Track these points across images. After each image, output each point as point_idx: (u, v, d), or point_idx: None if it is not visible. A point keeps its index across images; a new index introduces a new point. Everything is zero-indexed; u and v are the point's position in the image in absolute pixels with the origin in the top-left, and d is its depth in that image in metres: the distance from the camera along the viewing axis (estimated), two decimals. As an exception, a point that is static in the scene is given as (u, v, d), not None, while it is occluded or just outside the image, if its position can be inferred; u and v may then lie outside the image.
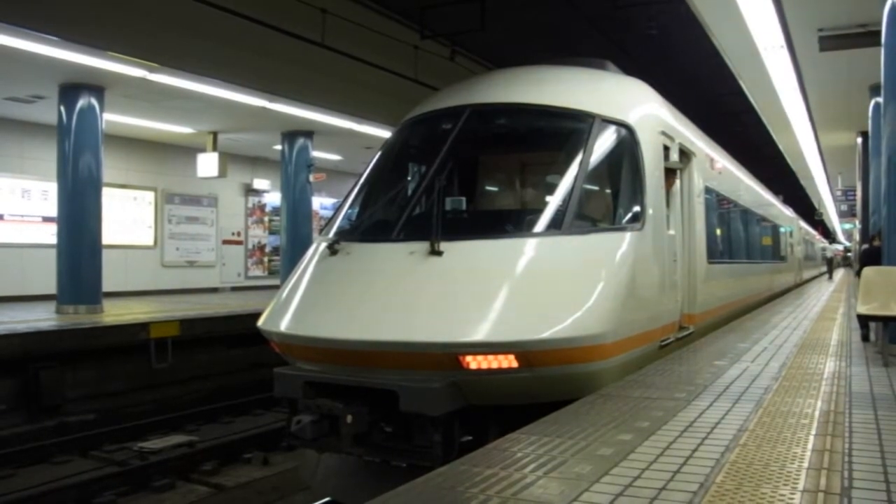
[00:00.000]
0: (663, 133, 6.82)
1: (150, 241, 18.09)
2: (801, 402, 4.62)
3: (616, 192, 6.09)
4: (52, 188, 13.50)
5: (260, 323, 5.66)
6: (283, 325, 5.33)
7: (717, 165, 10.02)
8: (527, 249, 5.22)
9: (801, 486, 2.96)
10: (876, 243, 8.92)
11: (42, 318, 11.50)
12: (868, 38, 9.47)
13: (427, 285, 5.02)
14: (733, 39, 10.45)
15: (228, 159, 17.40)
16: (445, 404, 4.69)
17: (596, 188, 6.12)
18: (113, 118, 13.77)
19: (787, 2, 8.82)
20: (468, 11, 11.89)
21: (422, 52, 13.17)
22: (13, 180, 15.03)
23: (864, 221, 15.69)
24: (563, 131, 6.16)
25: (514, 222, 5.89)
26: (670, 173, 6.98)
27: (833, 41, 9.99)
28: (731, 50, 11.12)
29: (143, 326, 10.89)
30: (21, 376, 9.64)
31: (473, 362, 4.66)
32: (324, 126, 15.64)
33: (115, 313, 12.26)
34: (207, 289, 19.31)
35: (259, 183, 20.74)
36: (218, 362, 12.37)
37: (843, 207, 24.53)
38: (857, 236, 26.60)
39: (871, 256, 8.73)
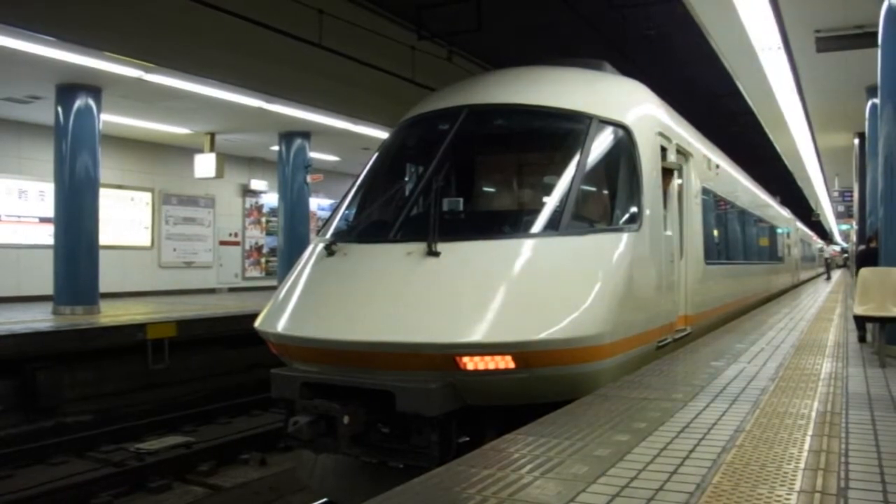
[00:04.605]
0: (660, 134, 6.82)
1: (148, 242, 18.06)
2: (798, 403, 4.63)
3: (613, 193, 6.09)
4: (48, 189, 13.49)
5: (257, 324, 5.66)
6: (280, 326, 5.33)
7: (715, 166, 10.02)
8: (524, 250, 5.21)
9: (797, 487, 2.97)
10: (873, 245, 8.93)
11: (39, 318, 11.47)
12: (865, 39, 9.49)
13: (424, 286, 5.02)
14: (730, 40, 10.46)
15: (225, 160, 17.41)
16: (442, 405, 4.69)
17: (593, 189, 6.12)
18: (110, 119, 13.75)
19: (784, 3, 8.84)
20: (465, 12, 11.90)
21: (419, 52, 13.17)
22: (10, 181, 14.99)
23: (861, 222, 15.72)
24: (560, 132, 6.16)
25: (511, 223, 5.87)
26: (667, 174, 6.99)
27: (830, 42, 10.00)
28: (729, 51, 11.14)
29: (140, 327, 10.87)
30: (18, 377, 9.62)
31: (470, 363, 4.66)
32: (321, 127, 15.63)
33: (111, 314, 12.24)
34: (205, 290, 19.29)
35: (256, 184, 20.73)
36: (215, 363, 12.35)
37: (840, 208, 24.62)
38: (853, 237, 26.65)
39: (867, 258, 8.73)
